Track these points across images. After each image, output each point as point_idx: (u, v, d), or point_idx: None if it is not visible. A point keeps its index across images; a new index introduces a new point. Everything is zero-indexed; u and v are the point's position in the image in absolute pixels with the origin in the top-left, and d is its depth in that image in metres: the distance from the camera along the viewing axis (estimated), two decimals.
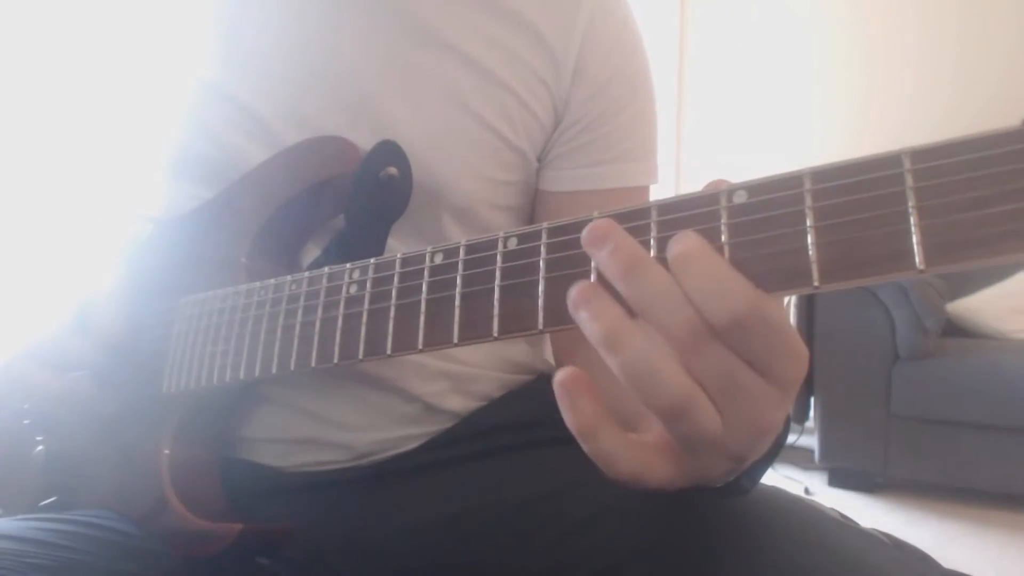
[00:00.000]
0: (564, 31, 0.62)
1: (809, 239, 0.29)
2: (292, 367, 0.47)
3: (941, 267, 0.26)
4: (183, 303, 0.57)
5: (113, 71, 0.67)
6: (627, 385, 0.31)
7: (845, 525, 0.48)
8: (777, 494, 0.51)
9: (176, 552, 0.55)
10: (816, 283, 0.29)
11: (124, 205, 0.69)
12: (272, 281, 0.50)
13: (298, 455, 0.61)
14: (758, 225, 0.31)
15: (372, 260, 0.44)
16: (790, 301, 2.30)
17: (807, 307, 2.21)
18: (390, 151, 0.52)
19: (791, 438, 2.51)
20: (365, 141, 0.54)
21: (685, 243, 0.31)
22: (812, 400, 2.24)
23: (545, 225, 0.37)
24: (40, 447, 0.62)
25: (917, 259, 0.26)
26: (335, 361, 0.44)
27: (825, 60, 2.90)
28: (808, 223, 0.29)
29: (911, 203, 0.27)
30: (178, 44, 0.62)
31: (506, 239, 0.38)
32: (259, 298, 0.51)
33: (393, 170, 0.52)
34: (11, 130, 1.07)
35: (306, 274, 0.48)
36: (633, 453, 0.33)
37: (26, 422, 0.63)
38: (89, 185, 0.76)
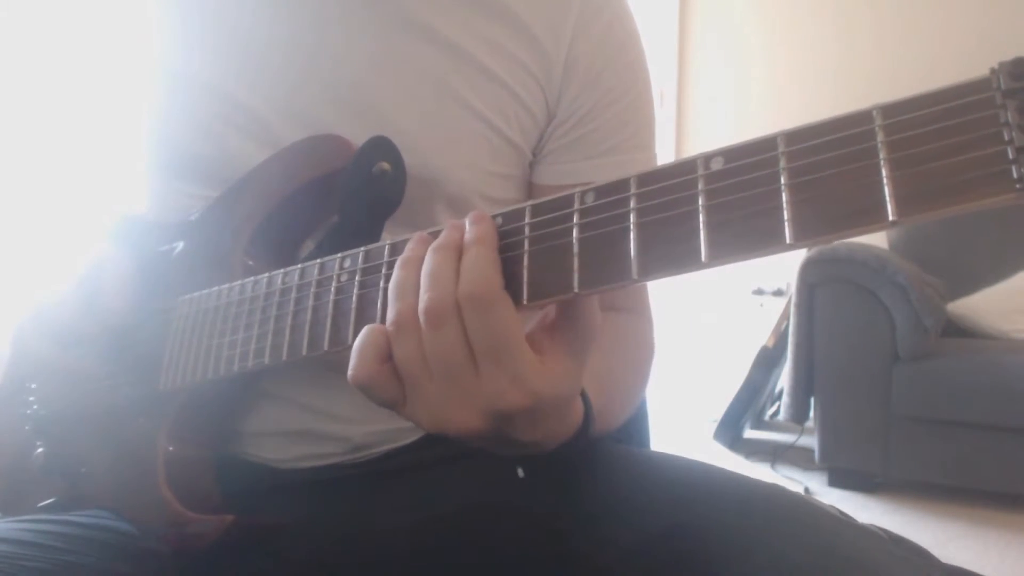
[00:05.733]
0: (554, 27, 0.62)
1: (783, 198, 0.30)
2: (284, 356, 0.47)
3: (913, 217, 0.26)
4: (180, 302, 0.58)
5: (109, 72, 0.68)
6: None
7: (843, 521, 0.48)
8: (775, 491, 0.51)
9: (170, 547, 0.55)
10: (789, 240, 0.29)
11: (121, 200, 0.70)
12: (265, 275, 0.51)
13: (295, 448, 0.62)
14: (734, 189, 0.32)
15: (362, 249, 0.45)
16: (791, 300, 2.30)
17: (807, 307, 2.21)
18: (382, 146, 0.53)
19: (791, 438, 2.51)
20: (359, 133, 0.55)
21: (481, 228, 0.39)
22: (812, 400, 2.24)
23: (528, 203, 0.38)
24: (40, 449, 0.63)
25: (889, 210, 0.27)
26: (325, 348, 0.45)
27: (829, 54, 2.90)
28: (782, 182, 0.30)
29: (882, 156, 0.27)
30: (174, 43, 0.63)
31: (493, 219, 0.39)
32: (252, 293, 0.51)
33: (386, 165, 0.53)
34: (10, 130, 1.09)
35: (298, 266, 0.49)
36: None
37: (27, 428, 0.64)
38: (89, 179, 0.77)
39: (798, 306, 2.22)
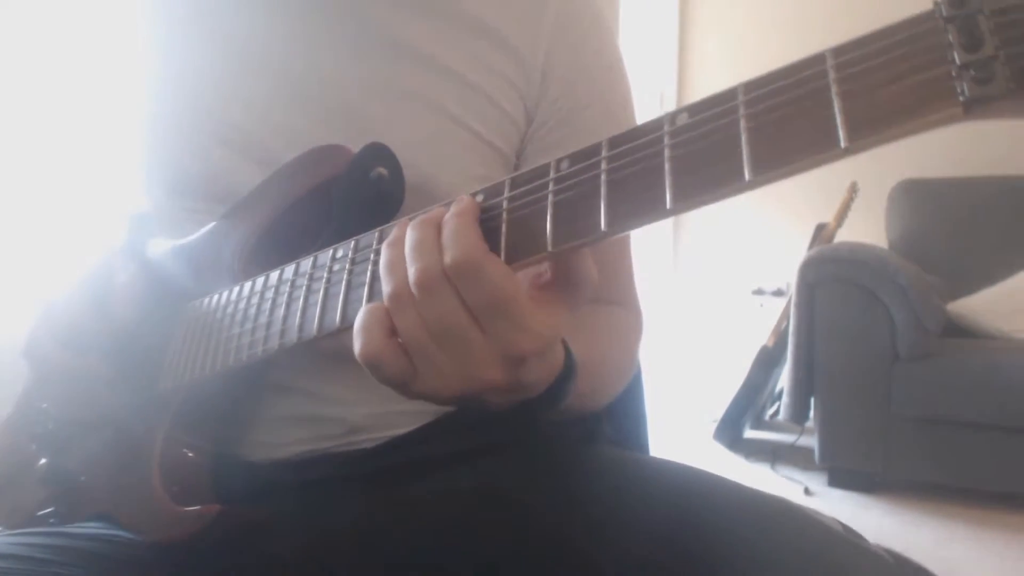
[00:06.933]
0: (529, 36, 0.65)
1: (742, 140, 0.31)
2: (276, 346, 0.49)
3: (864, 141, 0.27)
4: (183, 309, 0.60)
5: (113, 99, 0.71)
6: None
7: (850, 543, 0.47)
8: (779, 506, 0.50)
9: (160, 539, 0.56)
10: (748, 177, 0.30)
11: (127, 207, 0.73)
12: (263, 274, 0.53)
13: (293, 431, 0.62)
14: (698, 139, 0.33)
15: (354, 239, 0.46)
16: (791, 300, 2.30)
17: (807, 307, 2.21)
18: (378, 152, 0.54)
19: (791, 438, 2.51)
20: (351, 147, 0.56)
21: (462, 203, 0.41)
22: (812, 400, 2.24)
23: (508, 177, 0.40)
24: (43, 461, 0.64)
25: (840, 136, 0.28)
26: (314, 333, 0.46)
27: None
28: (741, 127, 0.31)
29: (834, 91, 0.28)
30: (170, 70, 0.66)
31: (474, 196, 0.42)
32: (250, 291, 0.53)
33: (383, 170, 0.54)
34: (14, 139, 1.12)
35: (295, 262, 0.50)
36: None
37: (34, 447, 0.65)
38: (93, 189, 0.79)
39: (798, 306, 2.23)
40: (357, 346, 0.41)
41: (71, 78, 0.77)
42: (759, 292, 2.91)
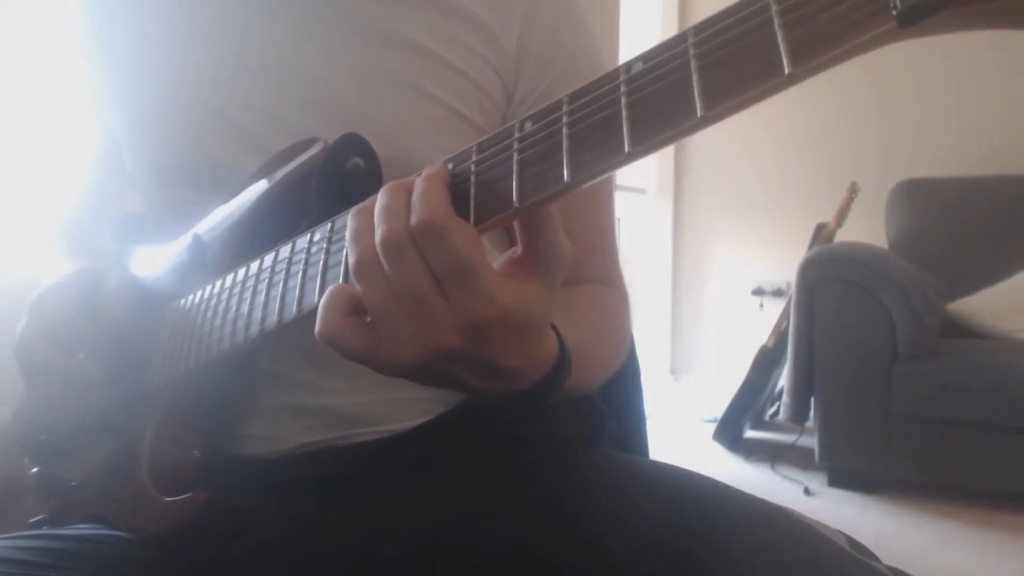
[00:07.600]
0: (504, 17, 0.67)
1: (694, 79, 0.32)
2: (256, 332, 0.49)
3: (807, 66, 0.28)
4: (170, 309, 0.61)
5: (100, 93, 0.72)
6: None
7: (851, 559, 0.47)
8: (778, 516, 0.50)
9: (149, 532, 0.57)
10: (700, 112, 0.31)
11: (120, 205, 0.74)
12: (243, 266, 0.54)
13: (286, 424, 0.63)
14: (652, 83, 0.34)
15: (330, 220, 0.47)
16: (791, 300, 2.30)
17: (807, 307, 2.21)
18: (353, 142, 0.55)
19: (791, 438, 2.50)
20: (335, 133, 0.57)
21: (432, 168, 0.41)
22: (812, 400, 2.24)
23: (475, 143, 0.41)
24: (35, 469, 0.65)
25: (785, 63, 0.28)
26: (294, 314, 0.47)
27: None
28: (692, 66, 0.32)
29: (777, 22, 0.29)
30: (169, 65, 0.68)
31: (445, 164, 0.42)
32: (232, 282, 0.54)
33: (359, 160, 0.54)
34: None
35: (274, 249, 0.51)
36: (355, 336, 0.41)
37: (26, 460, 0.66)
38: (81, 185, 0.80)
39: (798, 306, 2.23)
40: (317, 324, 0.41)
41: (54, 73, 0.79)
42: (759, 292, 2.92)
